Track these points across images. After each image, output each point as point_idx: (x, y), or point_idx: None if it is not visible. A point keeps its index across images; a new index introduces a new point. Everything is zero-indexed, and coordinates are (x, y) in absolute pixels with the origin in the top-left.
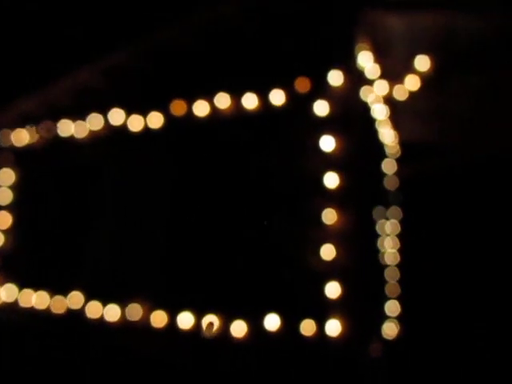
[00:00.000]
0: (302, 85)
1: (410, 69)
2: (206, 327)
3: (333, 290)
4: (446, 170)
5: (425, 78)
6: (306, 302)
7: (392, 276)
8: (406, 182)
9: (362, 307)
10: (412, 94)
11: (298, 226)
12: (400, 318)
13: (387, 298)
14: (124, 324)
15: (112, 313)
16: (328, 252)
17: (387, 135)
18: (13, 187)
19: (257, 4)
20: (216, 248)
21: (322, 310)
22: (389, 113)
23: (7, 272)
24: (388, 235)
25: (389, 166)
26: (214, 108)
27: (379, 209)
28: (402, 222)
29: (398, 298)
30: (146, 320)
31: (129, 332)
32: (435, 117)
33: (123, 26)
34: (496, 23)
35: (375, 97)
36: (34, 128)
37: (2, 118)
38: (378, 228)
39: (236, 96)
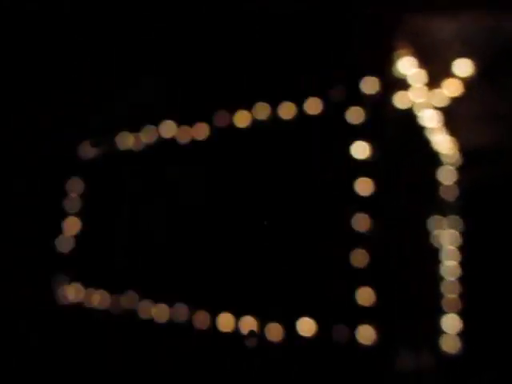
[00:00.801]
0: (337, 93)
1: (450, 73)
2: (248, 335)
3: (365, 296)
4: (508, 177)
5: (468, 82)
6: (337, 307)
7: (451, 290)
8: (467, 190)
9: (402, 317)
10: (455, 99)
11: (327, 231)
12: (461, 334)
13: (444, 312)
14: (170, 324)
15: (162, 313)
16: (359, 258)
17: (442, 143)
18: (81, 195)
19: (291, 16)
20: (254, 253)
21: (353, 316)
22: (442, 119)
23: (75, 273)
24: (447, 247)
25: (446, 175)
26: (253, 118)
27: (435, 218)
28: (464, 233)
29: (459, 314)
30: (189, 321)
31: (174, 332)
32: (490, 121)
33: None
34: None
35: (423, 104)
36: (96, 141)
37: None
38: (432, 238)
39: (273, 106)
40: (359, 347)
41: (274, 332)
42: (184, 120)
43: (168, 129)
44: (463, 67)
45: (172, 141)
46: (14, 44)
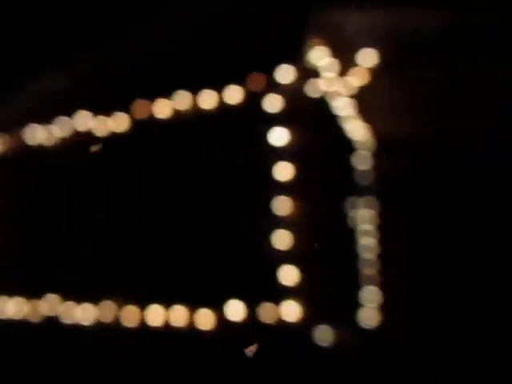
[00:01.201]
0: (254, 81)
1: (356, 63)
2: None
3: (288, 275)
4: (421, 164)
5: (374, 72)
6: (262, 287)
7: (368, 266)
8: (384, 174)
9: (323, 293)
10: (365, 88)
11: (248, 215)
12: (380, 308)
13: (363, 287)
14: (98, 323)
15: (87, 313)
16: (281, 239)
17: (356, 129)
18: None
19: (211, 6)
20: (178, 241)
21: (278, 295)
22: (356, 108)
23: None
24: (365, 226)
25: (360, 160)
26: (173, 106)
27: (351, 200)
28: (381, 214)
29: (378, 288)
30: (117, 317)
31: (103, 331)
32: (401, 110)
33: (87, 31)
34: (444, 19)
35: (335, 92)
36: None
37: None
38: (349, 219)
39: (193, 93)
40: (284, 325)
41: (205, 319)
42: (100, 110)
43: (83, 120)
44: (369, 57)
45: (88, 133)
46: None
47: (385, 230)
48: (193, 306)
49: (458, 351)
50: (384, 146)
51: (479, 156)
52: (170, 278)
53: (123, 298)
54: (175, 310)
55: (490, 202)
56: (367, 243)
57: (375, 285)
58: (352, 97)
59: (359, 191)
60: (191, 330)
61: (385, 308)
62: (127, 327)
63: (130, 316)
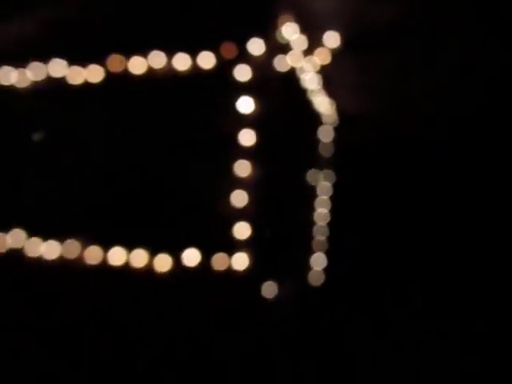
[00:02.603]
0: (226, 50)
1: (321, 43)
2: None
3: (241, 230)
4: (377, 141)
5: (337, 53)
6: (218, 238)
7: (321, 232)
8: (342, 149)
9: (273, 251)
10: (328, 66)
11: (211, 174)
12: (325, 270)
13: (313, 251)
14: (62, 261)
15: (52, 249)
16: (238, 198)
17: (322, 104)
18: None
19: None
20: (143, 191)
21: (231, 247)
22: (321, 82)
23: None
24: (321, 196)
25: (325, 133)
26: (148, 65)
27: (313, 171)
28: (335, 186)
29: (325, 253)
30: (80, 256)
31: (67, 269)
32: (358, 90)
33: None
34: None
35: (302, 68)
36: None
37: None
38: (309, 189)
39: (168, 55)
40: (234, 274)
41: (163, 263)
42: (75, 60)
43: (58, 68)
44: (333, 39)
45: (62, 80)
46: None
47: (336, 200)
48: (153, 250)
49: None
50: (344, 121)
51: (427, 134)
52: (134, 223)
53: (88, 239)
54: (136, 252)
55: (438, 177)
56: (322, 212)
57: (323, 250)
58: (317, 73)
59: (321, 164)
60: (149, 271)
61: (329, 271)
62: (89, 265)
63: (92, 255)
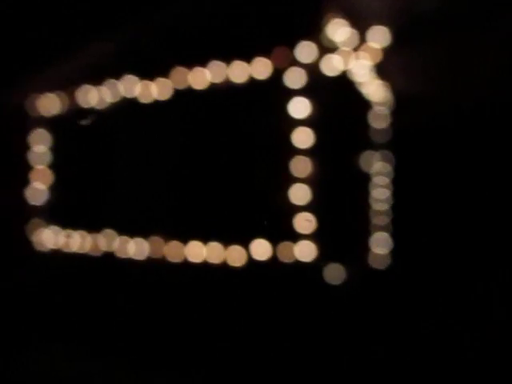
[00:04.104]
0: (278, 55)
1: (370, 40)
2: None
3: (303, 221)
4: (436, 120)
5: (385, 50)
6: (282, 229)
7: (380, 215)
8: (400, 132)
9: (338, 238)
10: (383, 56)
11: (271, 172)
12: (390, 253)
13: (373, 234)
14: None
15: (139, 246)
16: (298, 192)
17: (376, 91)
18: (50, 148)
19: None
20: (214, 189)
21: (294, 238)
22: (374, 73)
23: (51, 219)
24: (379, 179)
25: (380, 118)
26: (208, 79)
27: (367, 154)
28: (395, 168)
29: (389, 234)
30: (162, 253)
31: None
32: (417, 73)
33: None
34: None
35: (356, 65)
36: (57, 95)
37: (31, 84)
38: (363, 172)
39: (226, 63)
40: (300, 263)
41: (236, 255)
42: (145, 75)
43: (130, 84)
44: (382, 35)
45: (134, 98)
46: None
47: (398, 182)
48: (226, 242)
49: (456, 298)
50: (400, 104)
51: (484, 111)
52: (208, 219)
53: (169, 235)
54: (212, 245)
55: (498, 156)
56: (380, 195)
57: (387, 231)
58: (369, 67)
59: (375, 146)
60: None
61: (394, 253)
62: (172, 262)
63: (174, 250)
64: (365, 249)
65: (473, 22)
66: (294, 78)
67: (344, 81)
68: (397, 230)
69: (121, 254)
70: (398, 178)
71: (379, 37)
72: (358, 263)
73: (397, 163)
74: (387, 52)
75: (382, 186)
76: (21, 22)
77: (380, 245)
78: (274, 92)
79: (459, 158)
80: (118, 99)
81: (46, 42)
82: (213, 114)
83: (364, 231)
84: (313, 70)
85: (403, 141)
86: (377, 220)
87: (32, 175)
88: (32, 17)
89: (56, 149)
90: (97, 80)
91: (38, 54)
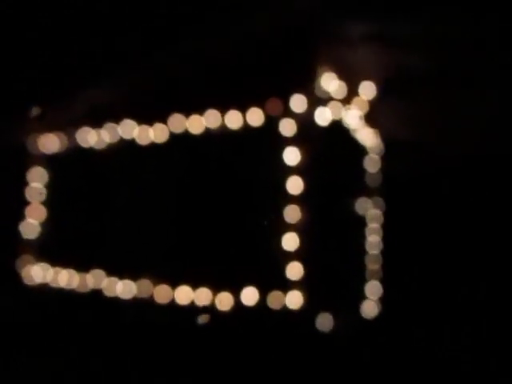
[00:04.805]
0: (272, 105)
1: (358, 93)
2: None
3: (294, 270)
4: (426, 168)
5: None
6: (272, 278)
7: (374, 261)
8: (391, 177)
9: (327, 286)
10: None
11: (263, 220)
12: (381, 300)
13: (367, 281)
14: (135, 299)
15: (127, 288)
16: (290, 241)
17: (367, 137)
18: (46, 185)
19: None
20: (206, 234)
21: (284, 287)
22: (364, 121)
23: (41, 255)
24: (371, 224)
25: (371, 163)
26: (204, 124)
27: (362, 200)
28: (386, 214)
29: (381, 282)
30: (151, 294)
31: (139, 305)
32: (401, 121)
33: (133, 46)
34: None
35: (346, 115)
36: (57, 135)
37: (31, 125)
38: (358, 218)
39: (221, 112)
40: (289, 312)
41: (225, 301)
42: (143, 120)
43: (128, 127)
44: (369, 89)
45: (132, 141)
46: None
47: (388, 228)
48: (215, 288)
49: (454, 341)
50: (390, 150)
51: (474, 160)
52: (198, 264)
53: (158, 278)
54: (201, 290)
55: (490, 204)
56: (374, 240)
57: (378, 279)
58: (359, 117)
59: (369, 192)
60: (212, 308)
61: (385, 300)
62: (159, 303)
63: (162, 293)
64: (359, 297)
65: (458, 77)
66: (288, 127)
67: (337, 129)
68: (387, 276)
69: (109, 293)
70: (388, 224)
71: (369, 89)
72: (350, 312)
73: (387, 209)
74: (376, 102)
75: (376, 232)
76: (22, 63)
77: (374, 292)
78: (268, 140)
79: (446, 205)
80: (115, 140)
81: (49, 85)
82: (207, 158)
83: (359, 277)
84: (305, 119)
85: (392, 186)
86: (372, 266)
87: (27, 211)
88: (34, 60)
89: (52, 186)
90: (97, 123)
91: (39, 98)
